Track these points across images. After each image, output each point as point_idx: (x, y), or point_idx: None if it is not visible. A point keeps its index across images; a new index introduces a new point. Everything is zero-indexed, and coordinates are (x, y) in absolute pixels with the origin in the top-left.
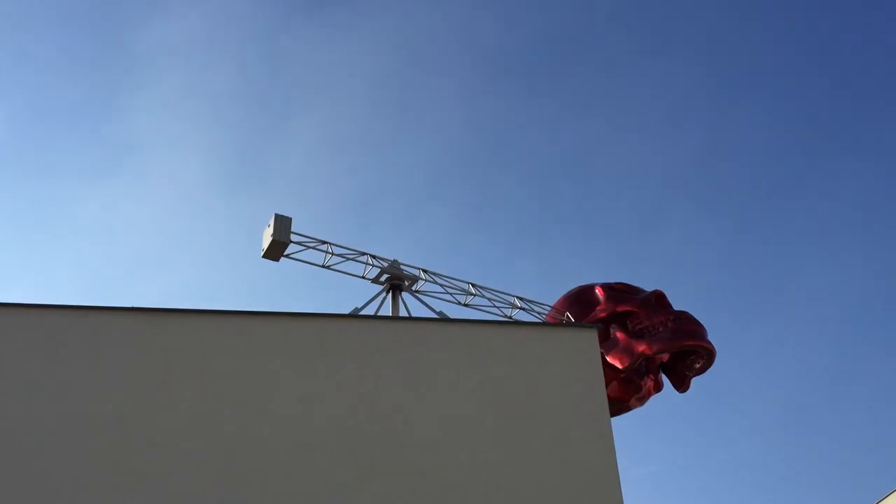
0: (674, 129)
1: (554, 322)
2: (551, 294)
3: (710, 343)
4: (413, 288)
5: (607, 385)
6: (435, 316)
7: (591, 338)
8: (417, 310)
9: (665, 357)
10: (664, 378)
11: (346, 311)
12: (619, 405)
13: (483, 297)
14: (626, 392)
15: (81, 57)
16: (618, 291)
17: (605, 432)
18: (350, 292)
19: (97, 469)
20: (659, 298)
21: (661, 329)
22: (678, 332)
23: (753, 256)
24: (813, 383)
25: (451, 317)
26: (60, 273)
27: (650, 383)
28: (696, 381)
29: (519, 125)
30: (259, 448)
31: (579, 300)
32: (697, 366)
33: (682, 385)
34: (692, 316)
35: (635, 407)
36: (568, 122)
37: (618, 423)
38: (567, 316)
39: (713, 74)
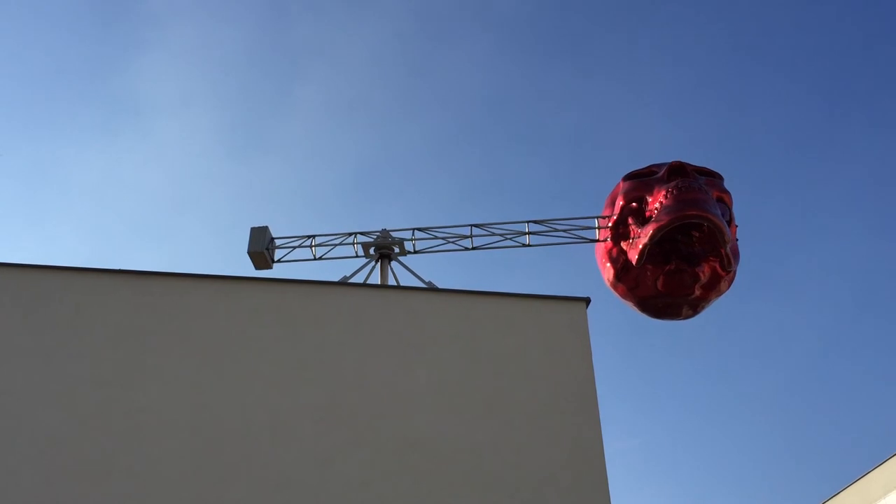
0: (694, 99)
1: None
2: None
3: (711, 214)
4: (408, 248)
5: (655, 280)
6: (423, 286)
7: (579, 309)
8: (409, 280)
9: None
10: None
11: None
12: (687, 301)
13: (493, 234)
14: (680, 285)
15: (88, 14)
16: (634, 179)
17: (591, 404)
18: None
19: (78, 430)
20: (673, 172)
21: (659, 208)
22: (674, 205)
23: (763, 230)
24: (806, 360)
25: (443, 286)
26: (62, 234)
27: (709, 267)
28: (685, 353)
29: (532, 94)
30: (244, 414)
31: (610, 200)
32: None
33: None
34: (695, 183)
35: (713, 298)
36: (584, 92)
37: (604, 396)
38: (596, 221)
39: (736, 42)
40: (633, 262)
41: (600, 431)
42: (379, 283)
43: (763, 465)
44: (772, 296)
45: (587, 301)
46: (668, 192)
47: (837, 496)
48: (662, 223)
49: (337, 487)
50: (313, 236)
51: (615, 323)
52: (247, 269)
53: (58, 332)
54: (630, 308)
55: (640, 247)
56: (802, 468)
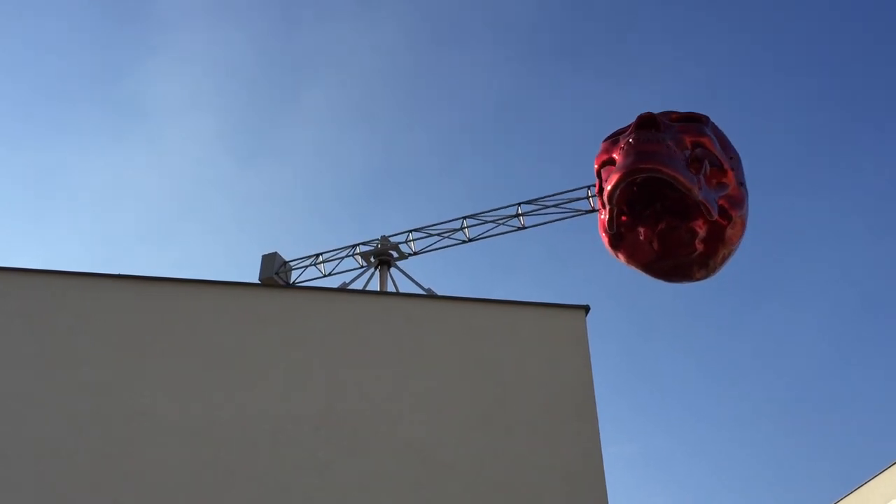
0: (701, 102)
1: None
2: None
3: (664, 164)
4: (405, 251)
5: (650, 242)
6: (422, 292)
7: (579, 317)
8: (409, 287)
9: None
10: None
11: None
12: (693, 260)
13: (485, 221)
14: (677, 244)
15: (98, 17)
16: (608, 139)
17: (591, 411)
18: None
19: (79, 435)
20: (641, 125)
21: (616, 164)
22: (624, 161)
23: (769, 234)
24: (810, 365)
25: (444, 292)
26: (67, 238)
27: (704, 220)
28: (687, 357)
29: (541, 99)
30: (243, 420)
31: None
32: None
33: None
34: (650, 135)
35: (722, 251)
36: (593, 96)
37: (604, 400)
38: (587, 191)
39: (743, 47)
40: (606, 228)
41: (599, 439)
42: (378, 289)
43: (765, 470)
44: (776, 299)
45: (587, 309)
46: (621, 147)
47: None
48: (612, 182)
49: (335, 493)
50: (319, 254)
51: (616, 327)
52: (249, 275)
53: (61, 337)
54: (639, 274)
55: (608, 207)
56: (805, 474)
